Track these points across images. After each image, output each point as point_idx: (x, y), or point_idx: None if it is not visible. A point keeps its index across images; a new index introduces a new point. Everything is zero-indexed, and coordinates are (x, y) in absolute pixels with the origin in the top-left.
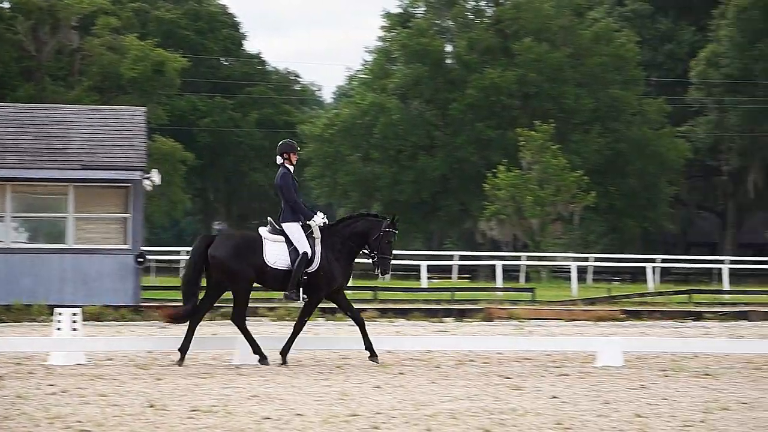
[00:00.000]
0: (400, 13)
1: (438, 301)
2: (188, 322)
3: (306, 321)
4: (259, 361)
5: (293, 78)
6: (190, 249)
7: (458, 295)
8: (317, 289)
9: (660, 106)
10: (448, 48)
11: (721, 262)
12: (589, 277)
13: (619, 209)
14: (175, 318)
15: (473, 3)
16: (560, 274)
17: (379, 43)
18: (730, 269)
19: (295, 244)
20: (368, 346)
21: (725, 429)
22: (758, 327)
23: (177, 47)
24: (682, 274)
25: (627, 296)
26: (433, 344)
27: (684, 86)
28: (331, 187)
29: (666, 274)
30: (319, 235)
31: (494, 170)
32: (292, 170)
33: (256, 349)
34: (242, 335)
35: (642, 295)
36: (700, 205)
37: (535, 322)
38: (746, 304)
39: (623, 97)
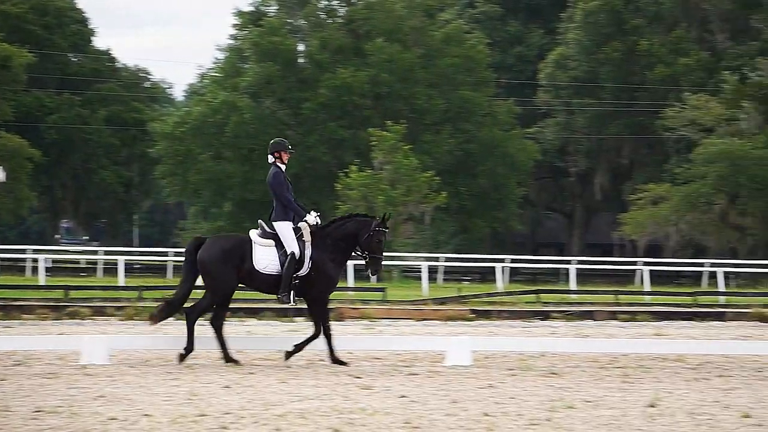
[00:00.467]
0: (252, 11)
1: None
2: (186, 323)
3: (329, 325)
4: (226, 360)
5: (143, 75)
6: (36, 248)
7: None
8: (318, 292)
9: (509, 107)
10: (301, 47)
11: (569, 262)
12: (440, 276)
13: (470, 210)
14: (152, 317)
15: (325, 2)
16: (411, 274)
17: (231, 42)
18: (577, 269)
19: (284, 244)
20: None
21: (570, 427)
22: (603, 326)
23: (23, 42)
24: (531, 274)
25: (476, 296)
26: (285, 345)
27: (533, 88)
28: (182, 185)
29: (515, 274)
30: (310, 238)
31: (346, 170)
32: (284, 168)
33: (225, 353)
34: (218, 336)
35: (491, 294)
36: (548, 206)
37: (385, 321)
38: (592, 303)
39: (474, 98)
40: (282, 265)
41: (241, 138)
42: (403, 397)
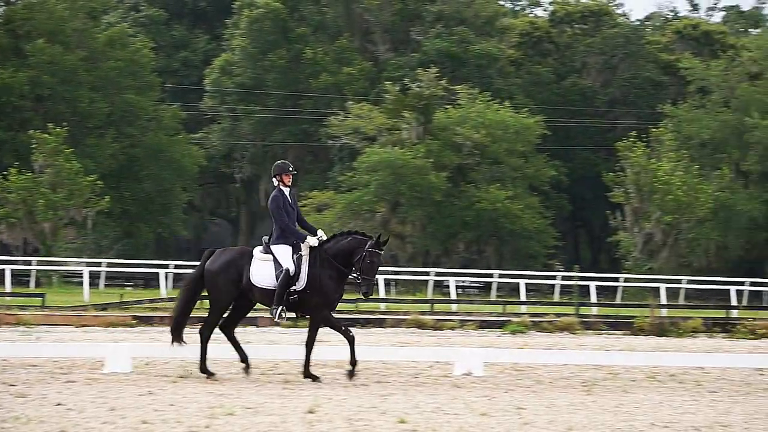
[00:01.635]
0: None
1: None
2: (225, 337)
3: (313, 341)
4: (202, 372)
5: None
6: None
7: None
8: (314, 308)
9: (174, 112)
10: None
11: None
12: (102, 282)
13: (134, 214)
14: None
15: None
16: (72, 279)
17: None
18: None
19: (279, 261)
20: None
21: None
22: (266, 333)
23: None
24: None
25: (138, 302)
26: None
27: (198, 94)
28: None
29: (179, 280)
30: (307, 253)
31: (5, 173)
32: (287, 191)
33: (203, 365)
34: (201, 344)
35: (154, 300)
36: (213, 211)
37: (44, 327)
38: (255, 310)
39: (138, 102)
40: (277, 279)
41: None
42: (59, 405)
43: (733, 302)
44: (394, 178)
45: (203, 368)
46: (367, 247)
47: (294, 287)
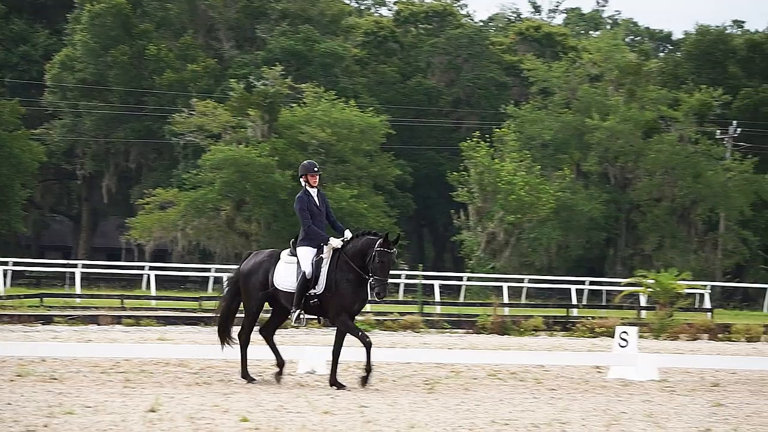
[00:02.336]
0: None
1: None
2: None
3: (339, 348)
4: (243, 377)
5: None
6: None
7: None
8: (332, 312)
9: (14, 107)
10: None
11: (75, 266)
12: None
13: None
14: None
15: None
16: None
17: None
18: (83, 273)
19: (300, 264)
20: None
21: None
22: (107, 331)
23: None
24: (36, 277)
25: None
26: None
27: (39, 89)
28: None
29: (18, 278)
30: (329, 256)
31: None
32: (314, 192)
33: (244, 371)
34: (240, 349)
35: None
36: (54, 208)
37: None
38: (97, 308)
39: None
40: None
41: None
42: None
43: (574, 301)
44: (239, 176)
45: (244, 373)
46: (376, 246)
47: (313, 291)
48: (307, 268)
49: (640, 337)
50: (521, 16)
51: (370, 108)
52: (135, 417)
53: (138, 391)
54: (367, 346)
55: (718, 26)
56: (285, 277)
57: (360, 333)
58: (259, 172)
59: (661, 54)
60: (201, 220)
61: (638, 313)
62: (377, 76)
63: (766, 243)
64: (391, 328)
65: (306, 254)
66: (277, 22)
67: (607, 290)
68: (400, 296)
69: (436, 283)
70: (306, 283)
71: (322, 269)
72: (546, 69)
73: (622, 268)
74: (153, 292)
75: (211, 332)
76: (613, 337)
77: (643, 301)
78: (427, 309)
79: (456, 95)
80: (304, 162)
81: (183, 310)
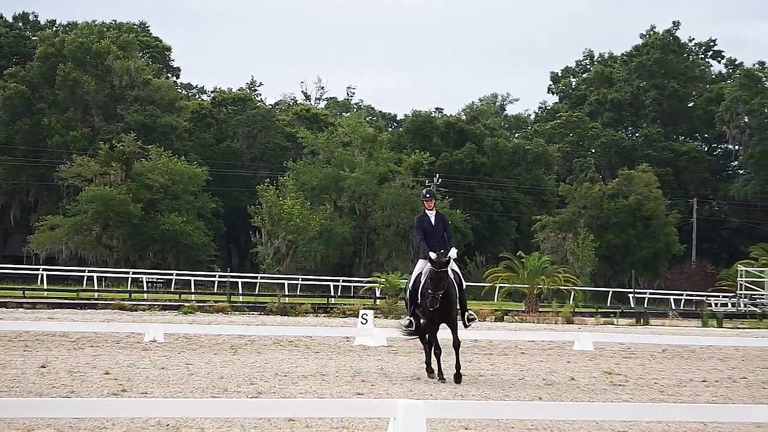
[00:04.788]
0: None
1: None
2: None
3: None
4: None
5: None
6: None
7: None
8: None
9: None
10: None
11: None
12: None
13: None
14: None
15: None
16: None
17: None
18: None
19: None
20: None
21: None
22: (11, 312)
23: None
24: None
25: None
26: None
27: None
28: None
29: None
30: (426, 269)
31: None
32: (431, 214)
33: (429, 366)
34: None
35: None
36: None
37: None
38: (5, 296)
39: None
40: None
41: None
42: None
43: (332, 293)
44: (105, 207)
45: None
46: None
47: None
48: (409, 280)
49: (375, 317)
50: (297, 101)
51: (195, 162)
52: (31, 371)
53: (33, 353)
54: (456, 347)
55: (426, 111)
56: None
57: (428, 348)
58: (119, 205)
59: (390, 128)
60: (78, 236)
61: (374, 301)
62: (200, 140)
63: (457, 254)
64: (208, 311)
65: (417, 267)
66: (132, 103)
67: (354, 285)
68: (215, 289)
69: (240, 281)
70: (411, 293)
71: (420, 279)
72: (314, 137)
73: (364, 271)
74: (45, 285)
75: (84, 313)
76: (357, 317)
77: (378, 293)
78: (233, 298)
79: (253, 154)
80: (422, 190)
81: (66, 299)
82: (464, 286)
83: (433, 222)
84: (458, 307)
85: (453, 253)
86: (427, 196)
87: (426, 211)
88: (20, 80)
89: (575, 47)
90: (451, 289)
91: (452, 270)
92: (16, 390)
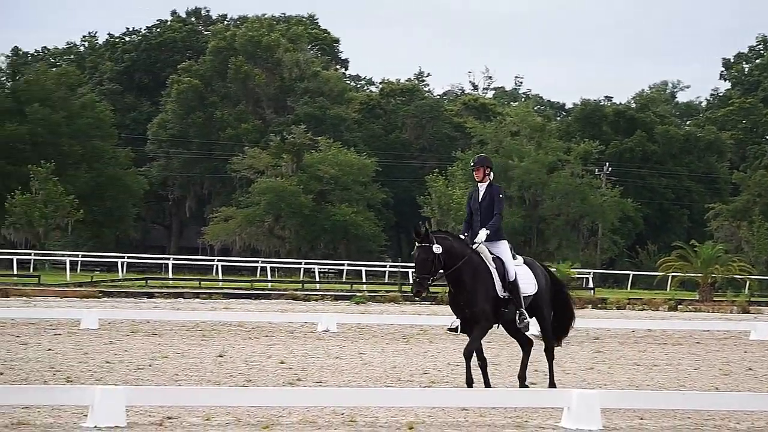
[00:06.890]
0: None
1: None
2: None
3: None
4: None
5: None
6: None
7: None
8: None
9: (127, 153)
10: None
11: (168, 259)
12: (79, 268)
13: (100, 222)
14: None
15: None
16: (58, 266)
17: None
18: (174, 264)
19: None
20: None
21: (165, 370)
22: (190, 302)
23: None
24: (142, 267)
25: (103, 281)
26: None
27: (144, 141)
28: None
29: (131, 267)
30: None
31: (13, 194)
32: (482, 187)
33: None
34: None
35: (114, 281)
36: (154, 220)
37: (39, 298)
38: (183, 287)
39: (102, 146)
40: None
41: None
42: (50, 350)
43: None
44: (277, 199)
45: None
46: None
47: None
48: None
49: None
50: (465, 91)
51: (364, 153)
52: (209, 360)
53: (210, 343)
54: (467, 355)
55: (595, 99)
56: None
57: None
58: (290, 196)
59: (558, 118)
60: (251, 228)
61: None
62: (368, 131)
63: (628, 243)
64: (380, 301)
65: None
66: (301, 95)
67: None
68: (386, 279)
69: (410, 271)
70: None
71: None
72: (482, 127)
73: None
74: (220, 276)
75: (259, 303)
76: None
77: None
78: (404, 288)
79: (422, 144)
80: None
81: (240, 289)
82: (515, 278)
83: (480, 197)
84: (486, 304)
85: (482, 235)
86: (473, 164)
87: (478, 183)
88: (193, 74)
89: (749, 33)
90: (466, 276)
91: (492, 253)
92: (194, 378)
